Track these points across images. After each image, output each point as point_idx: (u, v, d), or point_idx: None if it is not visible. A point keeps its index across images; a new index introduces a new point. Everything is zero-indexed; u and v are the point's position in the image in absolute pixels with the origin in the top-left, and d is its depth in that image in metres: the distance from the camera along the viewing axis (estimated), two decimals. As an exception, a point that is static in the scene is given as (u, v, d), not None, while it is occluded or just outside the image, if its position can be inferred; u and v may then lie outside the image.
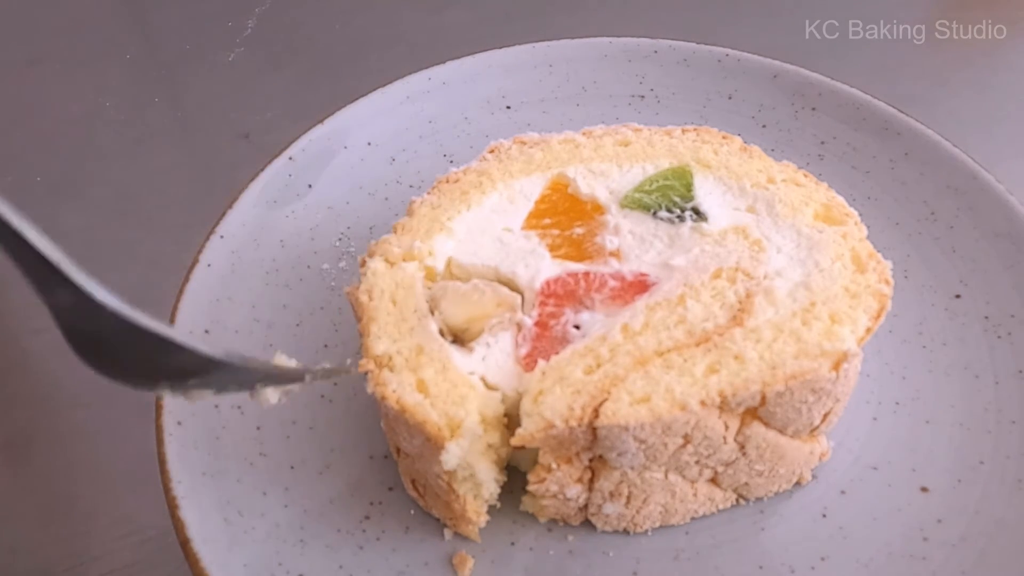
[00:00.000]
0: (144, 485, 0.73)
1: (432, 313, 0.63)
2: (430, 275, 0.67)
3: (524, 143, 0.76)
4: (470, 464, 0.59)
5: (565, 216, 0.71)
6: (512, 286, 0.66)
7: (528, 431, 0.56)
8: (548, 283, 0.65)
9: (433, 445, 0.57)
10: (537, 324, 0.63)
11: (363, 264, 0.68)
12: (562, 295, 0.64)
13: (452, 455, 0.56)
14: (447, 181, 0.73)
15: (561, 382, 0.58)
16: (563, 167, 0.73)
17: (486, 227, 0.70)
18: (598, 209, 0.71)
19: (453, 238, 0.69)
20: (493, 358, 0.61)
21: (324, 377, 0.57)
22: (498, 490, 0.62)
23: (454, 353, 0.61)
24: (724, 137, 0.76)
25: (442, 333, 0.62)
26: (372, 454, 0.67)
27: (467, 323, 0.63)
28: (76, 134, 1.10)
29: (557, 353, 0.61)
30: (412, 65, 0.94)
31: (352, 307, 0.66)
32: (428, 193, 0.72)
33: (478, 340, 0.62)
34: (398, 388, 0.58)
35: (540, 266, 0.66)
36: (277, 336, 0.73)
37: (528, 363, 0.61)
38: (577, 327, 0.63)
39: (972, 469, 0.65)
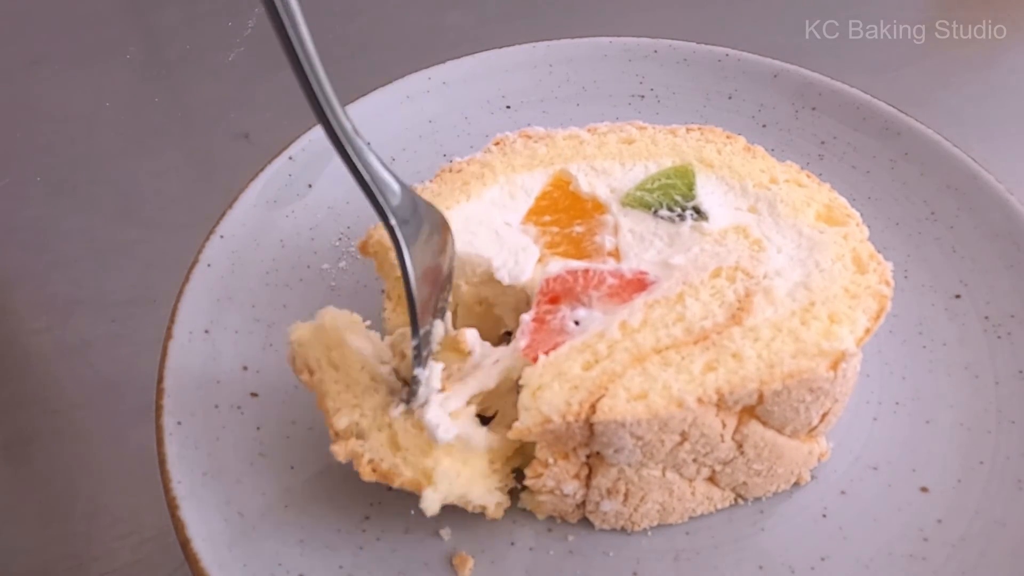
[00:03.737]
0: (144, 485, 0.73)
1: (394, 358, 0.62)
2: None
3: (529, 137, 0.76)
4: (463, 494, 0.59)
5: (565, 214, 0.71)
6: (500, 286, 0.67)
7: (525, 425, 0.57)
8: (548, 281, 0.65)
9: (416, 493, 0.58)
10: (535, 320, 0.63)
11: (362, 249, 0.68)
12: (560, 292, 0.64)
13: (430, 501, 0.57)
14: (450, 170, 0.74)
15: (559, 377, 0.59)
16: (566, 163, 0.73)
17: (484, 219, 0.70)
18: (599, 208, 0.71)
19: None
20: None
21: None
22: (502, 499, 0.62)
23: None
24: (728, 137, 0.76)
25: (398, 375, 0.61)
26: (372, 454, 0.67)
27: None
28: (76, 134, 1.10)
29: (556, 346, 0.61)
30: (412, 65, 0.94)
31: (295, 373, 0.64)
32: (430, 181, 0.73)
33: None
34: (372, 453, 0.58)
35: (527, 267, 0.66)
36: (277, 336, 0.73)
37: (528, 354, 0.61)
38: (576, 323, 0.63)
39: (972, 469, 0.65)
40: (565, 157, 0.74)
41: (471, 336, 0.63)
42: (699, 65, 0.95)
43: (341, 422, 0.59)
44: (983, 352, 0.72)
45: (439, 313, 0.60)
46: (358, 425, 0.59)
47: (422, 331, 0.57)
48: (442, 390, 0.59)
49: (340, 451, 0.58)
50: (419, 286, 0.55)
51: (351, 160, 0.49)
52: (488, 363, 0.62)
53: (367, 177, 0.50)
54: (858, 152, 0.87)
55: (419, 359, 0.58)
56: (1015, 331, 0.72)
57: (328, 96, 0.47)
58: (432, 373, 0.59)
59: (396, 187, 0.52)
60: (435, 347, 0.60)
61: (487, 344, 0.64)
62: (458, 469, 0.58)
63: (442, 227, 0.59)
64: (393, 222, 0.52)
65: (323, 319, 0.61)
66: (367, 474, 0.58)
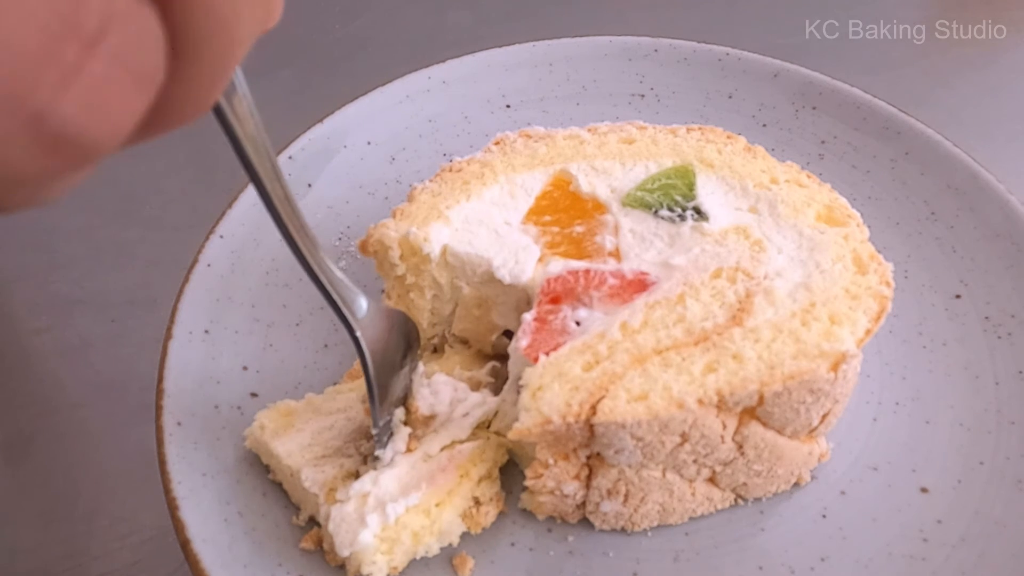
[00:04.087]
0: (144, 485, 0.73)
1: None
2: (423, 261, 0.67)
3: (529, 137, 0.76)
4: (414, 555, 0.59)
5: (566, 214, 0.71)
6: (501, 285, 0.67)
7: (525, 425, 0.57)
8: (549, 281, 0.65)
9: None
10: (536, 319, 0.63)
11: (362, 248, 0.69)
12: (561, 292, 0.64)
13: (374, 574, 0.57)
14: (450, 170, 0.74)
15: (560, 378, 0.59)
16: (566, 163, 0.73)
17: (484, 218, 0.70)
18: (599, 208, 0.71)
19: (450, 226, 0.69)
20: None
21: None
22: (469, 521, 0.62)
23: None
24: (728, 137, 0.76)
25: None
26: (372, 454, 0.67)
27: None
28: (76, 134, 1.10)
29: (557, 347, 0.61)
30: (412, 65, 0.94)
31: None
32: (430, 181, 0.73)
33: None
34: (328, 544, 0.59)
35: (527, 266, 0.66)
36: (277, 336, 0.73)
37: (529, 353, 0.61)
38: (577, 323, 0.63)
39: (972, 469, 0.65)
40: (565, 157, 0.74)
41: (442, 384, 0.64)
42: (699, 65, 0.95)
43: (302, 518, 0.62)
44: (983, 352, 0.72)
45: (400, 402, 0.63)
46: (314, 518, 0.61)
47: (382, 422, 0.61)
48: (408, 451, 0.61)
49: (307, 545, 0.61)
50: (383, 383, 0.60)
51: (321, 283, 0.53)
52: (458, 415, 0.63)
53: (335, 295, 0.54)
54: (858, 152, 0.87)
55: (381, 443, 0.61)
56: (1015, 331, 0.72)
57: (302, 227, 0.50)
58: (398, 437, 0.61)
59: (363, 301, 0.57)
60: (395, 430, 0.62)
61: (462, 387, 0.65)
62: (387, 549, 0.57)
63: (407, 328, 0.63)
64: (358, 333, 0.56)
65: (253, 428, 0.63)
66: (333, 560, 0.60)
